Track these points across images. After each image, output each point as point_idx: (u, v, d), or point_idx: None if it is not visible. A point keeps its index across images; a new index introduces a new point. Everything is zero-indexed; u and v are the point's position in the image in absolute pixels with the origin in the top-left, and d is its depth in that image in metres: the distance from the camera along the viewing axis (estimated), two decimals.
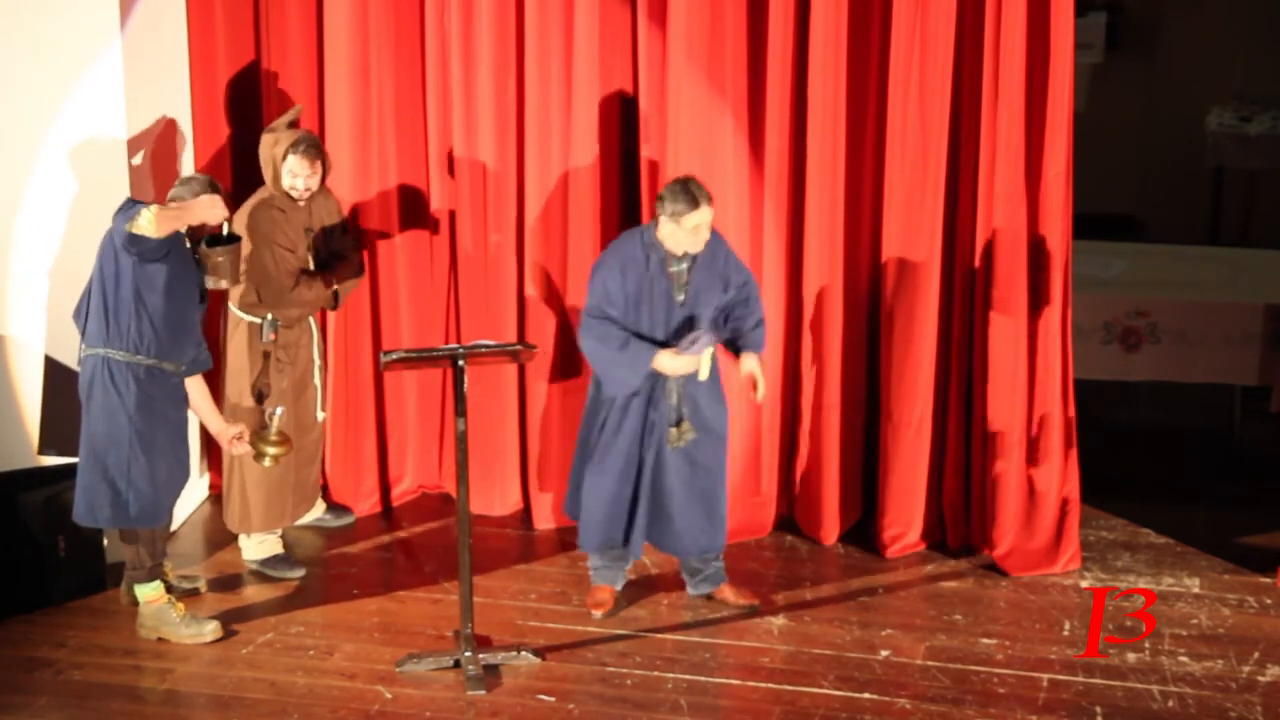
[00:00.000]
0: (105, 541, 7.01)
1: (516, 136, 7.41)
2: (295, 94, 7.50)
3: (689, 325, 6.49)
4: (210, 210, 6.39)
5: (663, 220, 6.42)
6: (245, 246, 6.72)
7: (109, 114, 6.93)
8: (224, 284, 6.62)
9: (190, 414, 6.72)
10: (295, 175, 6.87)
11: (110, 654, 6.56)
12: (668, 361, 6.44)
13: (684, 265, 6.50)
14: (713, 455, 6.70)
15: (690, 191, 6.37)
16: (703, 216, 6.38)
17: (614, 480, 6.63)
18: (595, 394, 6.67)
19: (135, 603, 6.68)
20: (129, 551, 6.62)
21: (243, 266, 6.72)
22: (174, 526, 7.36)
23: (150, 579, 6.61)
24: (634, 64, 7.33)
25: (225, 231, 6.53)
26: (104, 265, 6.41)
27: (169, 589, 6.71)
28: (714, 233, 6.52)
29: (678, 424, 6.57)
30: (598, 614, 6.76)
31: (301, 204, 6.94)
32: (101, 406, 6.42)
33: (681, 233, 6.40)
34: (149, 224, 6.18)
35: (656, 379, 6.52)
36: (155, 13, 7.16)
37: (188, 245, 6.51)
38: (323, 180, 6.99)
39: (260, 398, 6.91)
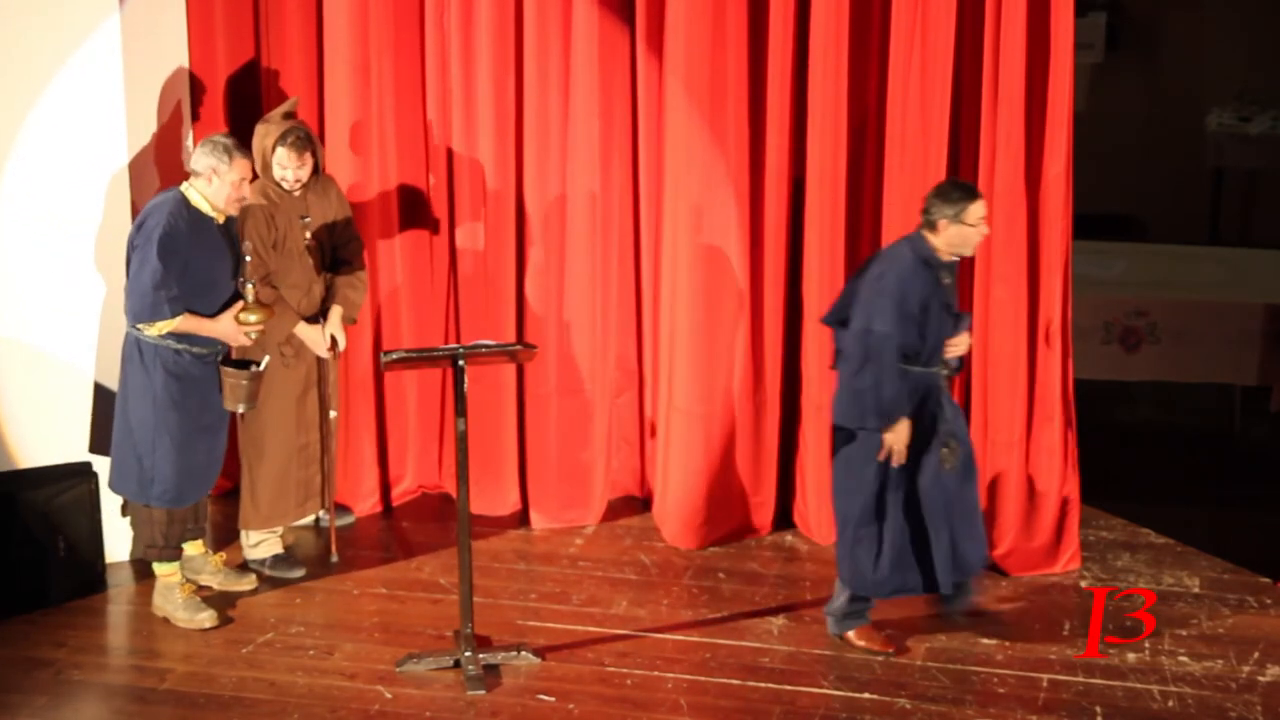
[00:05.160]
0: (106, 543, 7.05)
1: (515, 136, 7.41)
2: (295, 94, 7.50)
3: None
4: (233, 336, 6.59)
5: (944, 224, 6.19)
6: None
7: (109, 115, 6.93)
8: (241, 409, 6.71)
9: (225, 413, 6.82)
10: (284, 167, 6.88)
11: (110, 654, 6.57)
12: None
13: (949, 276, 6.27)
14: (972, 473, 6.45)
15: (962, 186, 6.24)
16: (982, 208, 6.19)
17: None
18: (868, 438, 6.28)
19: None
20: (144, 529, 6.71)
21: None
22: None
23: (164, 558, 6.71)
24: (632, 62, 7.34)
25: (251, 362, 6.73)
26: (129, 259, 6.49)
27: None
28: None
29: (947, 443, 6.31)
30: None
31: (295, 193, 6.95)
32: (133, 384, 6.56)
33: (969, 229, 6.20)
34: (166, 328, 6.46)
35: (930, 393, 6.28)
36: (155, 12, 7.16)
37: (216, 227, 6.58)
38: (316, 170, 6.99)
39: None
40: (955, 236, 6.19)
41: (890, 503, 6.28)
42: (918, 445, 6.25)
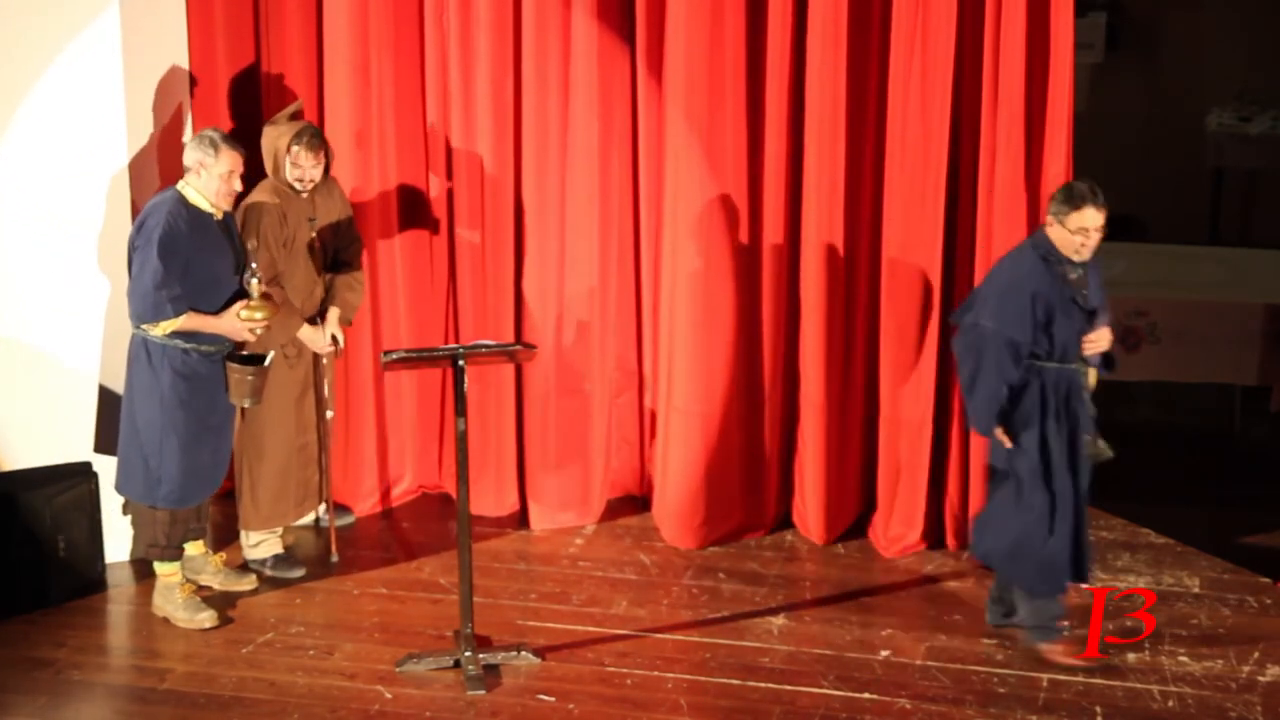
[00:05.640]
0: (106, 541, 7.05)
1: (515, 135, 7.41)
2: (295, 93, 7.50)
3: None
4: (237, 332, 6.54)
5: (1050, 221, 6.15)
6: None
7: (109, 115, 6.92)
8: (246, 403, 6.69)
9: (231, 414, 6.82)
10: (299, 166, 6.88)
11: (110, 654, 6.57)
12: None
13: (1078, 271, 6.21)
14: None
15: (1079, 191, 6.09)
16: (1090, 219, 6.08)
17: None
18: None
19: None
20: (146, 529, 6.70)
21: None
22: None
23: (165, 558, 6.71)
24: (632, 62, 7.34)
25: (259, 354, 6.68)
26: (131, 260, 6.50)
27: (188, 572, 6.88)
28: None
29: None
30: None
31: (304, 195, 6.95)
32: (140, 385, 6.55)
33: (1069, 235, 6.10)
34: (171, 327, 6.43)
35: (1071, 389, 6.26)
36: (155, 12, 7.15)
37: (215, 223, 6.57)
38: (326, 170, 7.00)
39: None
40: (1059, 237, 6.15)
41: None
42: (1061, 442, 6.23)
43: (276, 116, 7.04)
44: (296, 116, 7.02)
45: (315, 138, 6.90)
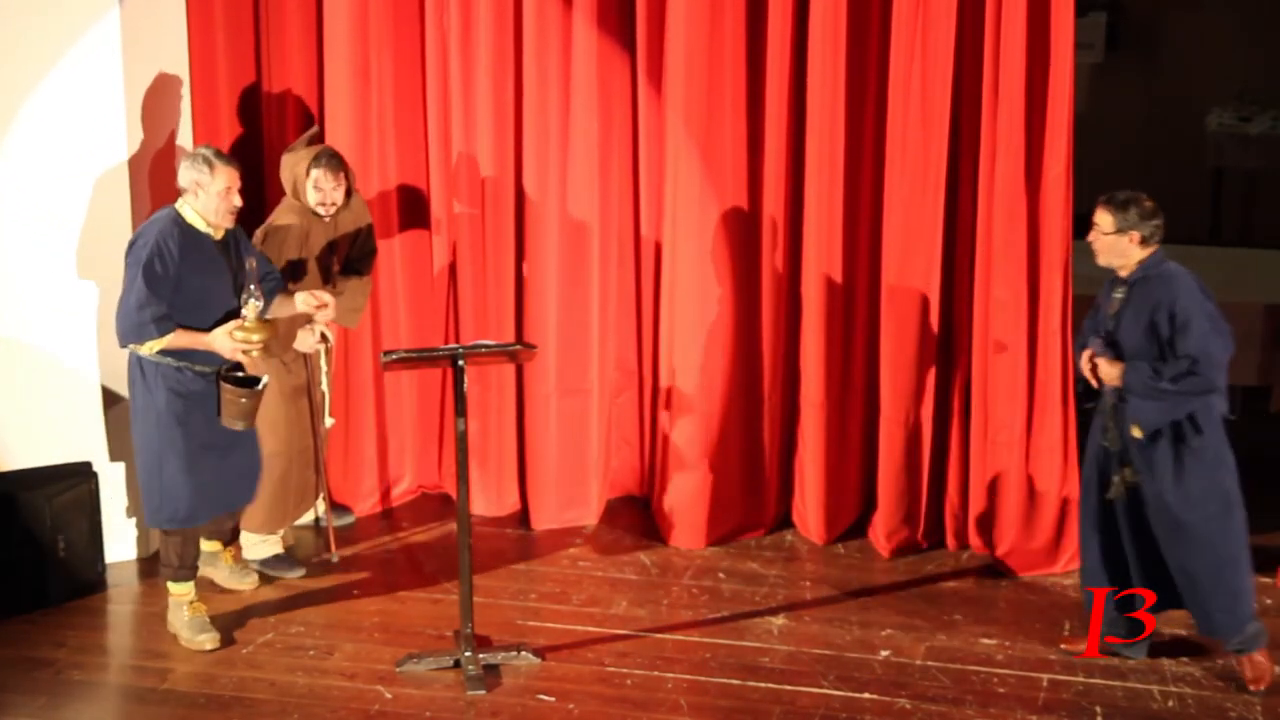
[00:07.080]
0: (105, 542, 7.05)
1: (515, 135, 7.42)
2: (295, 97, 7.51)
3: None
4: (229, 351, 6.34)
5: None
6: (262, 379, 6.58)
7: (109, 115, 6.93)
8: (238, 425, 6.46)
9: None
10: (320, 190, 6.85)
11: (110, 654, 6.57)
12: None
13: (1120, 293, 6.05)
14: (1184, 539, 6.12)
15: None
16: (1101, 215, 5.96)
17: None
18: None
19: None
20: (162, 548, 6.60)
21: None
22: None
23: (178, 579, 6.59)
24: (632, 62, 7.34)
25: (252, 376, 6.52)
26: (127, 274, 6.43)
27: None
28: (1168, 273, 5.95)
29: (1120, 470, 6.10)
30: None
31: (327, 219, 6.94)
32: (138, 404, 6.46)
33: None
34: (158, 346, 6.30)
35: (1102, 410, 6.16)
36: (155, 13, 7.15)
37: (213, 244, 6.47)
38: (348, 193, 6.97)
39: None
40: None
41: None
42: (1092, 462, 6.22)
43: (294, 143, 7.05)
44: (314, 141, 7.02)
45: (334, 159, 6.88)
